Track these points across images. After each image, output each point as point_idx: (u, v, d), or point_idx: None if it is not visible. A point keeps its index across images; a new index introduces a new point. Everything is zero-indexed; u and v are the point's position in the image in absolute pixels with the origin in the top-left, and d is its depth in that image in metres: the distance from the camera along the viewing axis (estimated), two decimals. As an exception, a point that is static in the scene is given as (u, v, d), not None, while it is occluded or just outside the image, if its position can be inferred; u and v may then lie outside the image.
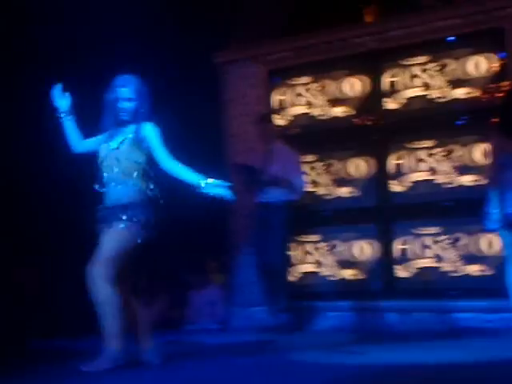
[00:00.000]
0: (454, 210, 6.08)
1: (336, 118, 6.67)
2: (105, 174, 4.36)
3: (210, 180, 4.16)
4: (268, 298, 6.11)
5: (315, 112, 6.76)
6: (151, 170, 4.35)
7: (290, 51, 6.81)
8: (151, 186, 4.35)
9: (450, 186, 6.17)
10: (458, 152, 6.15)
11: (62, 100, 4.50)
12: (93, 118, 4.51)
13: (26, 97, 6.30)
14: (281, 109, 6.86)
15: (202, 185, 4.15)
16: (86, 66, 6.35)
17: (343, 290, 6.46)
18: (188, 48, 6.95)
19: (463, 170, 6.12)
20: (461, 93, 6.19)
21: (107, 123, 4.43)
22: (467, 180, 6.11)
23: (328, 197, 6.65)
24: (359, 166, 6.53)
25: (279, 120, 6.52)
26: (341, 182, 6.61)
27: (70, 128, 4.54)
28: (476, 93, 6.13)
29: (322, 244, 6.63)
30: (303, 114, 6.80)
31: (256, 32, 6.93)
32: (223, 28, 6.94)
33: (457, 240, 6.10)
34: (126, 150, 4.31)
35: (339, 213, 6.57)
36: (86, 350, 4.71)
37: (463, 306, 5.90)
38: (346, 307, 6.30)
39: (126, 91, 4.34)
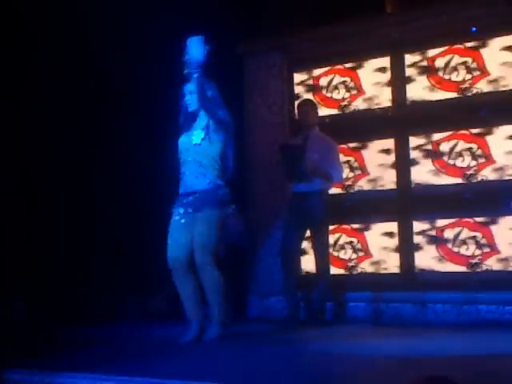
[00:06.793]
0: (474, 202, 6.05)
1: (358, 109, 6.66)
2: (185, 164, 4.94)
3: None
4: (286, 288, 6.14)
5: (337, 102, 6.76)
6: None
7: (312, 41, 6.80)
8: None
9: (471, 177, 6.13)
10: (480, 143, 6.10)
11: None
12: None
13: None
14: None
15: None
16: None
17: (363, 280, 6.47)
18: (211, 37, 6.96)
19: (485, 161, 6.08)
20: (484, 83, 6.13)
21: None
22: (488, 172, 6.07)
23: (351, 186, 6.64)
24: (381, 156, 6.51)
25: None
26: (363, 171, 6.61)
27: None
28: (499, 84, 6.08)
29: (343, 233, 6.65)
30: (324, 104, 6.80)
31: (278, 23, 6.93)
32: (246, 18, 6.95)
33: (476, 231, 6.07)
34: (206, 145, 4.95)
35: (360, 202, 6.54)
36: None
37: (484, 297, 5.88)
38: (364, 298, 6.31)
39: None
